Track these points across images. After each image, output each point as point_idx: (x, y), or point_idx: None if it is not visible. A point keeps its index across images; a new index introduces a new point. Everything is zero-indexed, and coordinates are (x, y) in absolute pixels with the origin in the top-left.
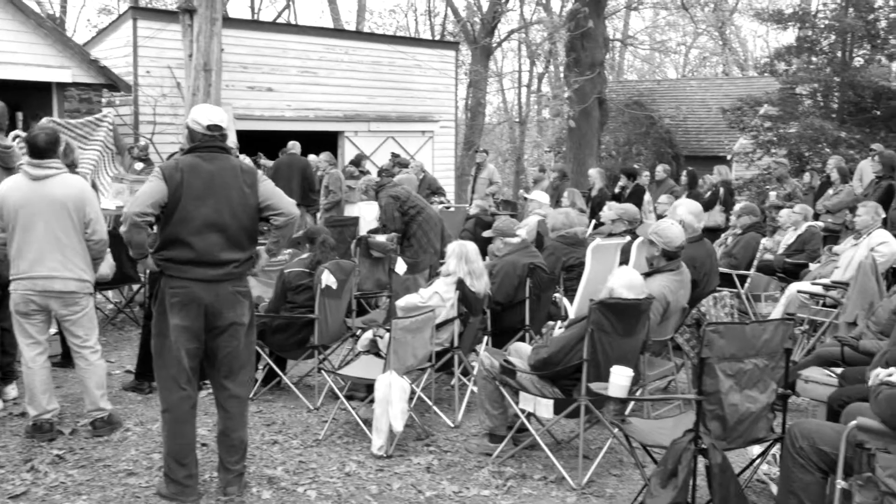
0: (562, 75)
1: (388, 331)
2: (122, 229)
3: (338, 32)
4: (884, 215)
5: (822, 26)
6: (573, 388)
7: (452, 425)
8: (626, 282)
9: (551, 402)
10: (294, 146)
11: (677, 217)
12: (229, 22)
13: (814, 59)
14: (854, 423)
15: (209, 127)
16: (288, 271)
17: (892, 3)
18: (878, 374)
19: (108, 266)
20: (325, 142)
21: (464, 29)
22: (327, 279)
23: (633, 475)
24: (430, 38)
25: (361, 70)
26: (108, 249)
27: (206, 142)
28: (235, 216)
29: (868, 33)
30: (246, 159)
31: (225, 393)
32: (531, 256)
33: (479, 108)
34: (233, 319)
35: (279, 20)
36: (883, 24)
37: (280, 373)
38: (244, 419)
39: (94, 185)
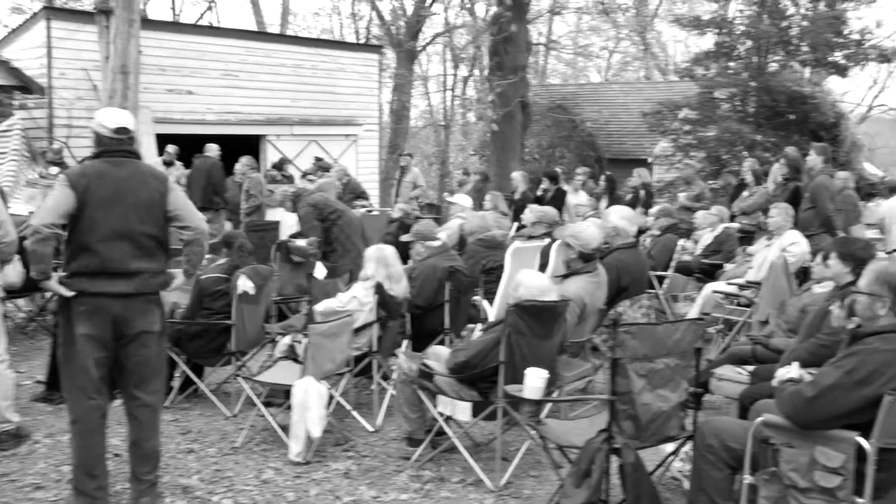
0: (486, 79)
1: (306, 336)
2: (28, 242)
3: (260, 35)
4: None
5: (739, 32)
6: (491, 390)
7: (372, 430)
8: (535, 285)
9: (469, 404)
10: (210, 149)
11: (610, 224)
12: (148, 23)
13: (731, 64)
14: (760, 419)
15: (116, 130)
16: (204, 277)
17: (803, 11)
18: (783, 372)
19: (16, 273)
20: (247, 146)
21: (388, 32)
22: (244, 285)
23: (550, 476)
24: (355, 41)
25: (284, 73)
26: (18, 256)
27: (113, 146)
28: (144, 223)
29: (781, 40)
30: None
31: (135, 402)
32: (451, 260)
33: (403, 111)
34: (143, 328)
35: (201, 22)
36: (795, 31)
37: (197, 380)
38: (156, 428)
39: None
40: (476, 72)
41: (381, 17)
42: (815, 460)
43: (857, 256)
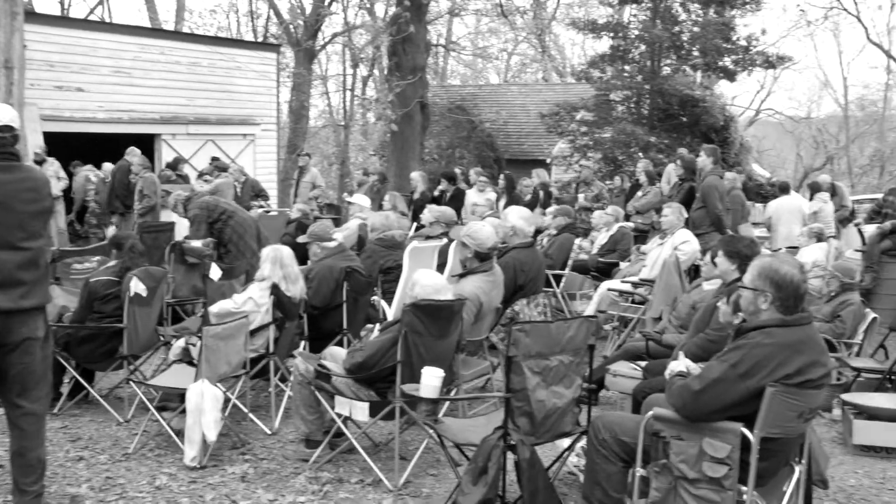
0: (385, 79)
1: (201, 338)
2: None
3: (154, 32)
4: (686, 216)
5: (633, 37)
6: (388, 390)
7: (269, 432)
8: (431, 284)
9: (367, 405)
10: (131, 152)
11: (509, 223)
12: (34, 17)
13: (626, 67)
14: (651, 413)
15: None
16: (94, 280)
17: (694, 17)
18: (673, 367)
19: None
20: (141, 145)
21: (286, 31)
22: (136, 287)
23: (449, 474)
24: (253, 39)
25: (179, 71)
26: None
27: None
28: (27, 230)
29: (674, 44)
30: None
31: (19, 411)
32: (348, 260)
33: (302, 111)
34: (26, 335)
35: (92, 17)
36: (686, 36)
37: (87, 386)
38: (41, 437)
39: None
40: (375, 72)
41: (279, 16)
42: (703, 451)
43: (742, 254)
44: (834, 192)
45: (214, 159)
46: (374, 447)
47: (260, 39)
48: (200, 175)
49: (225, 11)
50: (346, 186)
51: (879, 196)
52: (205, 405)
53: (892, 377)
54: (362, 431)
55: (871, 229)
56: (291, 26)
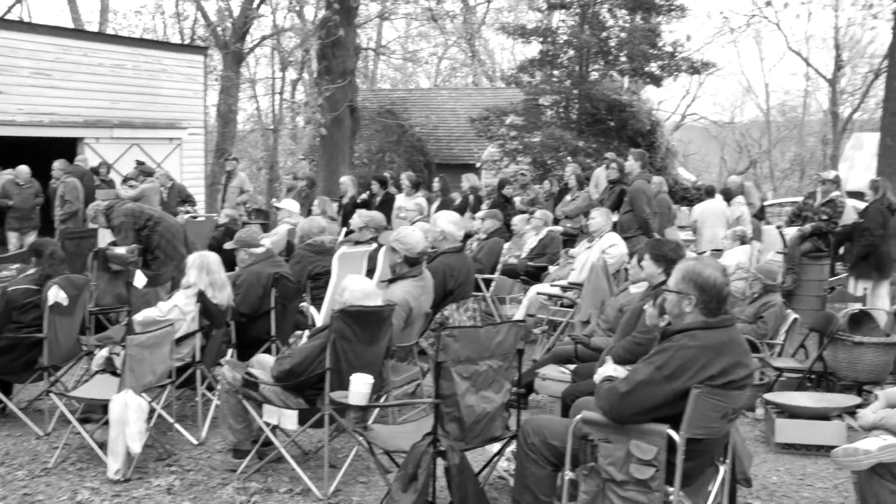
0: (314, 83)
1: (125, 347)
2: None
3: (76, 32)
4: (615, 219)
5: (562, 42)
6: (317, 397)
7: (196, 443)
8: (360, 290)
9: (296, 413)
10: (84, 159)
11: (438, 228)
12: None
13: (555, 72)
14: (579, 416)
15: None
16: (12, 289)
17: (621, 23)
18: (602, 370)
19: None
20: (64, 149)
21: (214, 33)
22: (56, 295)
23: (379, 481)
24: (179, 41)
25: (103, 73)
26: None
27: None
28: None
29: (601, 50)
30: None
31: None
32: (276, 266)
33: (230, 114)
34: None
35: (10, 17)
36: (614, 42)
37: (4, 399)
38: None
39: None
40: (305, 75)
41: (206, 18)
42: (630, 454)
43: (668, 257)
44: (741, 192)
45: (140, 163)
46: (303, 456)
47: (187, 42)
48: (126, 180)
49: (150, 13)
50: (276, 191)
51: (800, 199)
52: (129, 416)
53: (812, 376)
54: (291, 440)
55: (791, 232)
56: (219, 28)
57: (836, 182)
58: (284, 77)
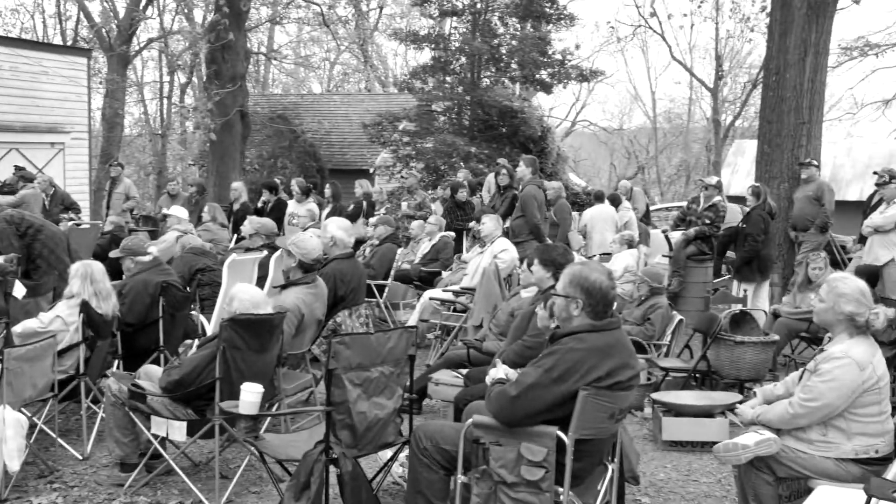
0: (204, 87)
1: (2, 361)
2: None
3: None
4: (506, 224)
5: (454, 49)
6: (207, 408)
7: (81, 458)
8: (249, 298)
9: (185, 424)
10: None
11: (328, 234)
12: None
13: (447, 78)
14: (471, 420)
15: None
16: None
17: (512, 31)
18: (493, 374)
19: None
20: None
21: (98, 35)
22: None
23: (272, 491)
24: (61, 43)
25: None
26: None
27: None
28: None
29: (493, 57)
30: None
31: None
32: (164, 274)
33: (116, 119)
34: None
35: None
36: (505, 49)
37: None
38: None
39: None
40: (194, 79)
41: (89, 19)
42: (521, 455)
43: (556, 262)
44: (630, 196)
45: (19, 169)
46: (193, 467)
47: (69, 43)
48: (3, 186)
49: (30, 12)
50: (159, 197)
51: (684, 204)
52: (7, 433)
53: (697, 375)
54: (181, 451)
55: (677, 236)
56: (104, 30)
57: (718, 187)
58: (173, 81)
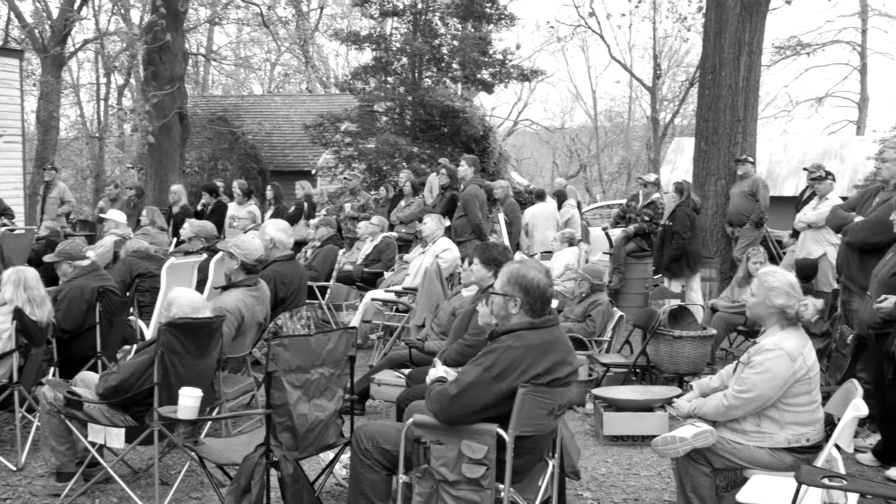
0: (141, 89)
1: None
2: None
3: None
4: (448, 224)
5: (395, 49)
6: (146, 413)
7: (14, 469)
8: (188, 302)
9: (123, 430)
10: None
11: (267, 236)
12: None
13: (389, 79)
14: (411, 420)
15: None
16: None
17: (452, 31)
18: (433, 373)
19: None
20: None
21: (31, 35)
22: None
23: (213, 496)
24: None
25: None
26: None
27: None
28: None
29: (434, 57)
30: None
31: None
32: (101, 279)
33: (51, 121)
34: None
35: None
36: (446, 49)
37: None
38: None
39: None
40: (132, 81)
41: (20, 19)
42: (461, 454)
43: (497, 260)
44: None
45: None
46: (133, 474)
47: (0, 44)
48: None
49: None
50: (97, 201)
51: (624, 202)
52: None
53: (637, 370)
54: (119, 459)
55: (617, 233)
56: (37, 30)
57: (657, 184)
58: (110, 83)
